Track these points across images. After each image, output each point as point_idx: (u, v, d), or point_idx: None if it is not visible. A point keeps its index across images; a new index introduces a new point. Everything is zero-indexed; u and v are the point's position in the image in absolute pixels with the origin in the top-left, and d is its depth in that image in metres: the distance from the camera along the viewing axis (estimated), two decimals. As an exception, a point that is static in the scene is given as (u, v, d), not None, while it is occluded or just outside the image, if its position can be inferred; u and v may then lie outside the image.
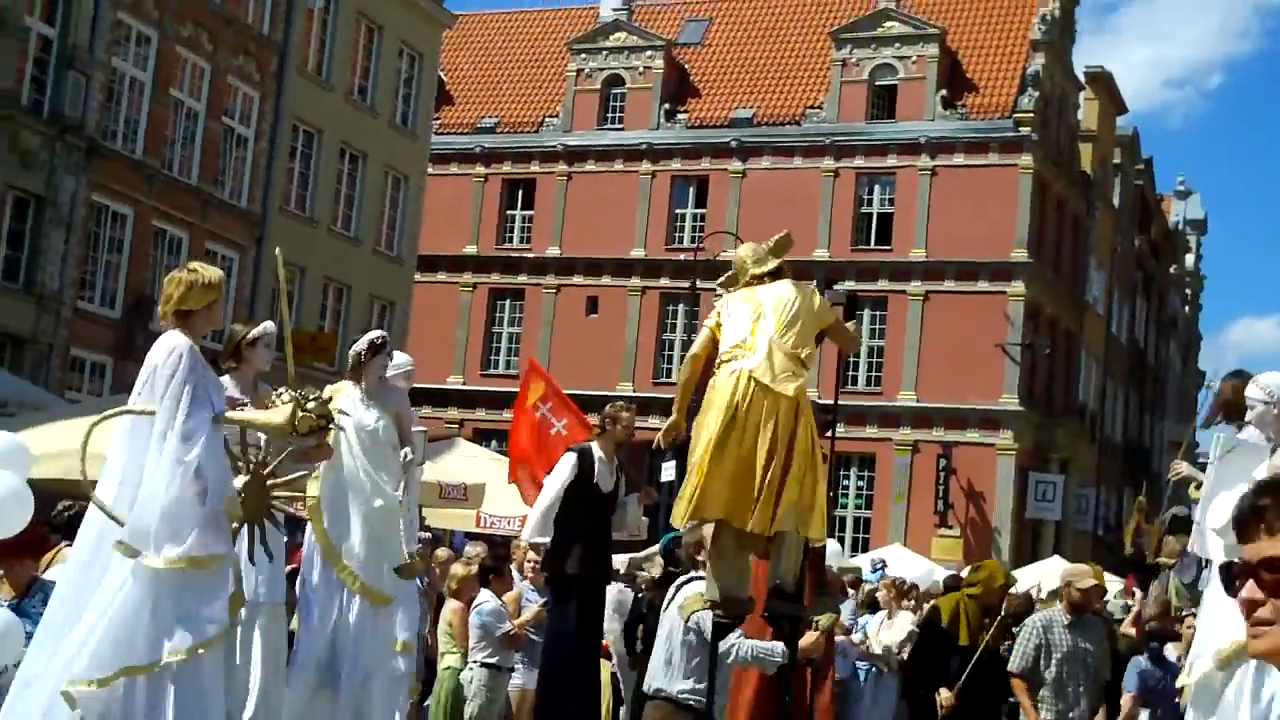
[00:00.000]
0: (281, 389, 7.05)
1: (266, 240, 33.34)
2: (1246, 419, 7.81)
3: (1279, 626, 2.27)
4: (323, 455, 7.70)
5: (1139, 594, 17.21)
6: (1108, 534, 51.79)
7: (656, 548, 23.52)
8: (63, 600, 6.47)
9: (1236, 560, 2.33)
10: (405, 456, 9.22)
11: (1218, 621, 7.18)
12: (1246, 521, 2.34)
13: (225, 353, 8.20)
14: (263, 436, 7.08)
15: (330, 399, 7.33)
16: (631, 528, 11.28)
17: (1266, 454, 7.41)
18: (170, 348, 6.59)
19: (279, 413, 6.80)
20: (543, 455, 12.92)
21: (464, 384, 50.31)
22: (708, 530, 8.57)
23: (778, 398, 8.01)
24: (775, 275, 8.71)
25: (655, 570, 14.70)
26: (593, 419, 11.94)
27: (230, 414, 6.87)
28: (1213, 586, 7.47)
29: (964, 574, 21.88)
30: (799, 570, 8.23)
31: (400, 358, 9.93)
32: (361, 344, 9.23)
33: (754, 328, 8.26)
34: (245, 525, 6.90)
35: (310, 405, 6.78)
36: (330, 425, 7.02)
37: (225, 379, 7.67)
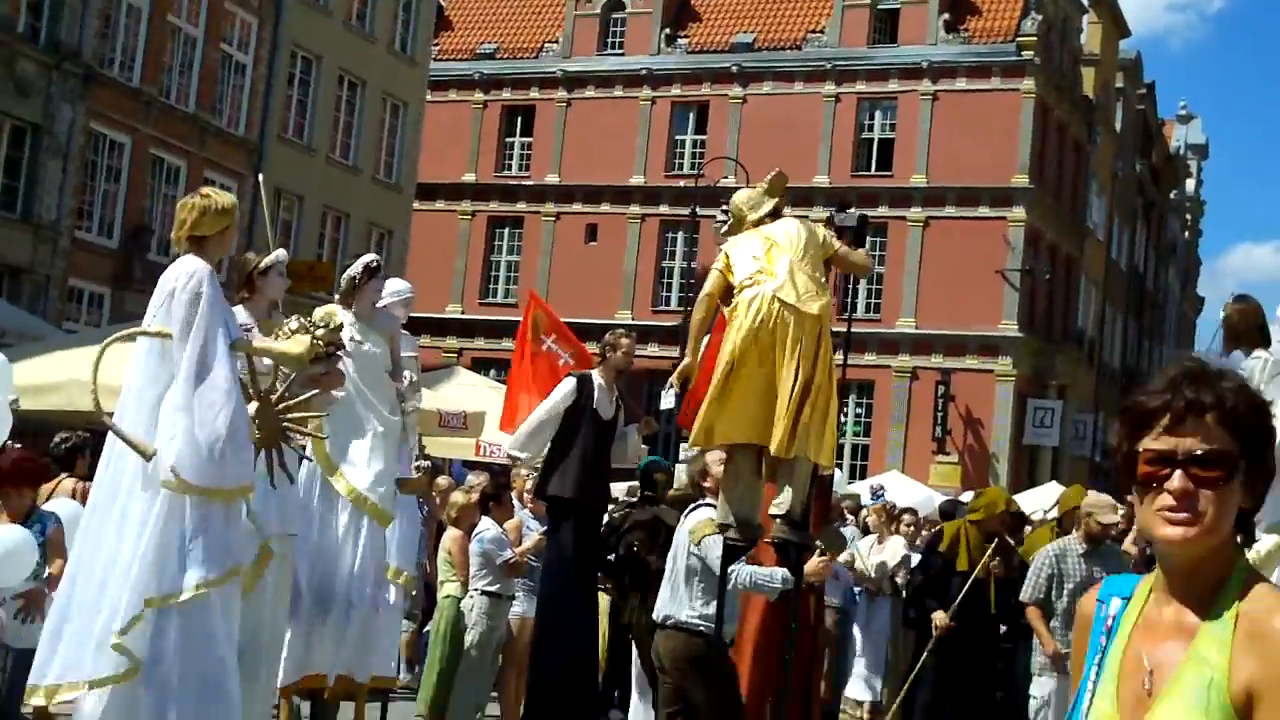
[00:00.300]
0: (290, 317, 7.07)
1: (264, 169, 33.26)
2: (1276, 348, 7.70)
3: (1209, 520, 2.47)
4: (334, 382, 7.72)
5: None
6: (1105, 459, 51.91)
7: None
8: (97, 541, 6.46)
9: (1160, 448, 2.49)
10: (407, 380, 9.27)
11: None
12: (1183, 415, 2.50)
13: (238, 282, 8.12)
14: (269, 361, 7.09)
15: (340, 326, 7.35)
16: (632, 458, 11.27)
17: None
18: (190, 271, 6.55)
19: (297, 343, 6.83)
20: (548, 388, 12.80)
21: (463, 313, 50.27)
22: (712, 457, 8.59)
23: (803, 317, 7.99)
24: (774, 215, 8.70)
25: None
26: (592, 348, 11.89)
27: (255, 343, 6.88)
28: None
29: (963, 499, 21.98)
30: (806, 497, 8.19)
31: (399, 284, 9.95)
32: (356, 268, 9.22)
33: (769, 255, 8.25)
34: (263, 451, 6.94)
35: (320, 333, 6.80)
36: (340, 352, 7.03)
37: (239, 308, 7.64)
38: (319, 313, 7.87)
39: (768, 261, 8.25)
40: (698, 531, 8.36)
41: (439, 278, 48.28)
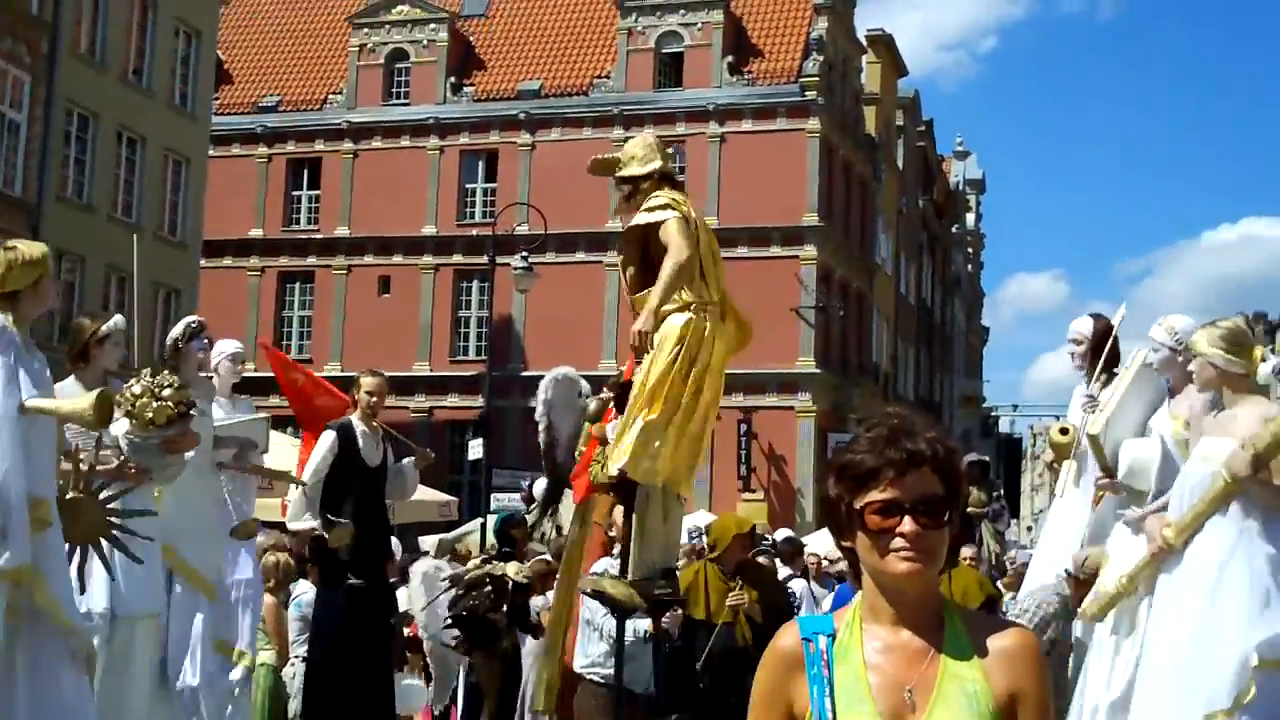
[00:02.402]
0: (132, 381, 6.64)
1: (42, 230, 32.01)
2: (1148, 359, 7.73)
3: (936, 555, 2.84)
4: (189, 444, 7.28)
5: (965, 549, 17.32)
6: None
7: (471, 526, 23.19)
8: None
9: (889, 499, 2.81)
10: (238, 443, 8.93)
11: (1124, 547, 7.29)
12: (905, 467, 2.83)
13: (71, 351, 7.59)
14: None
15: (186, 385, 6.93)
16: (410, 492, 10.91)
17: (1164, 389, 7.34)
18: None
19: (83, 400, 6.32)
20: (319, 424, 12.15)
21: (255, 370, 49.00)
22: (618, 512, 8.23)
23: (723, 348, 7.72)
24: (664, 181, 8.07)
25: (474, 549, 14.34)
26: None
27: (32, 402, 6.35)
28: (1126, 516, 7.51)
29: (779, 535, 21.90)
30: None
31: (228, 344, 9.61)
32: (177, 330, 8.88)
33: (705, 266, 7.80)
34: (81, 546, 6.43)
35: (166, 394, 6.36)
36: (191, 412, 6.61)
37: (69, 380, 7.20)
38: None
39: (705, 272, 7.79)
40: (584, 584, 7.95)
41: (230, 336, 46.87)
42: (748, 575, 9.93)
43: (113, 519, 6.65)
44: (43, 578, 6.15)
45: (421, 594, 12.25)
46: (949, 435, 3.07)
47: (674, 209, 7.68)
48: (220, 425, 9.15)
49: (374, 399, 10.23)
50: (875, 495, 2.81)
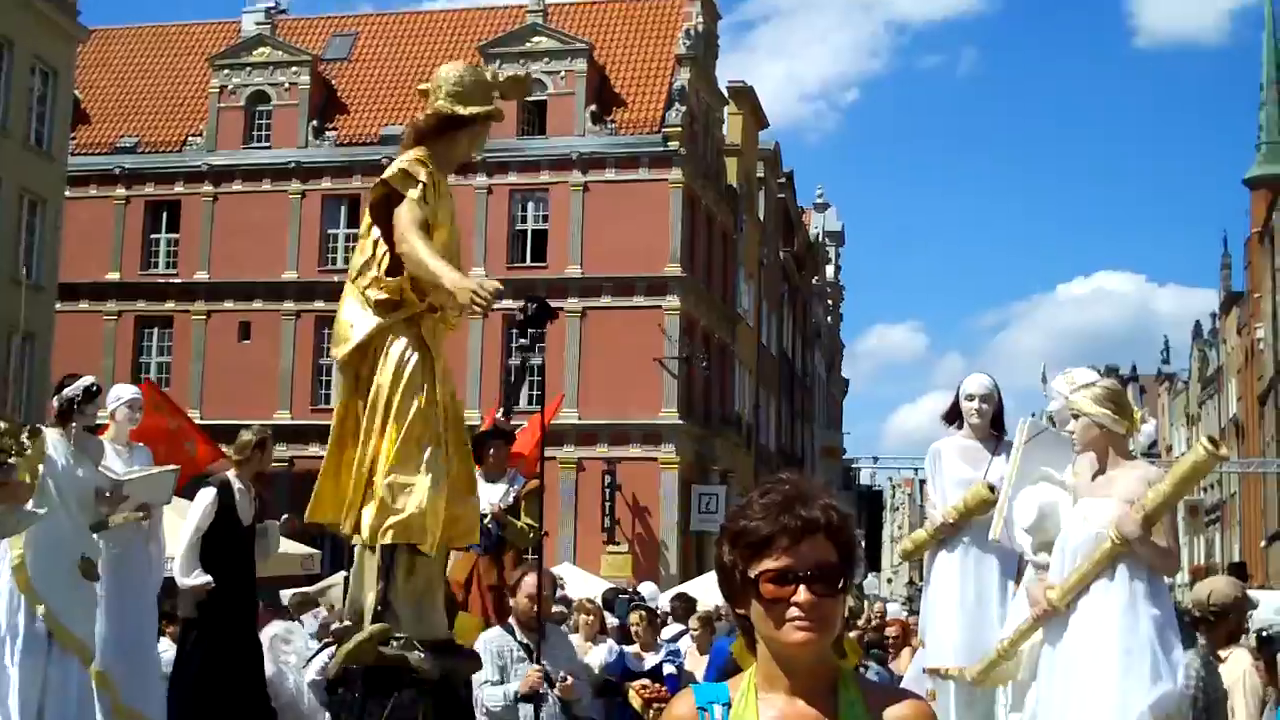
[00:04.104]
0: None
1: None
2: (1050, 410, 7.81)
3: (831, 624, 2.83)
4: (15, 495, 7.02)
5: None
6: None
7: (334, 579, 22.71)
8: None
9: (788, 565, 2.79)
10: (126, 496, 8.74)
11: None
12: (799, 535, 2.81)
13: None
14: None
15: (9, 431, 6.67)
16: (273, 552, 10.87)
17: (1069, 446, 7.29)
18: None
19: None
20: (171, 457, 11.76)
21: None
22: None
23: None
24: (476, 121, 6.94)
25: (336, 603, 13.97)
26: (227, 448, 11.20)
27: None
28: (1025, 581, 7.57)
29: (640, 589, 21.80)
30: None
31: (124, 390, 9.52)
32: (75, 389, 8.76)
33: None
34: None
35: None
36: (10, 462, 6.35)
37: None
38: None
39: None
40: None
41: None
42: None
43: None
44: None
45: (270, 659, 11.94)
46: (839, 499, 2.96)
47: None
48: (130, 480, 8.97)
49: (263, 455, 10.19)
50: (769, 564, 2.80)
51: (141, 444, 9.80)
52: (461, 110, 6.75)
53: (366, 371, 6.58)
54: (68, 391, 8.78)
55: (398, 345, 6.56)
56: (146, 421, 11.78)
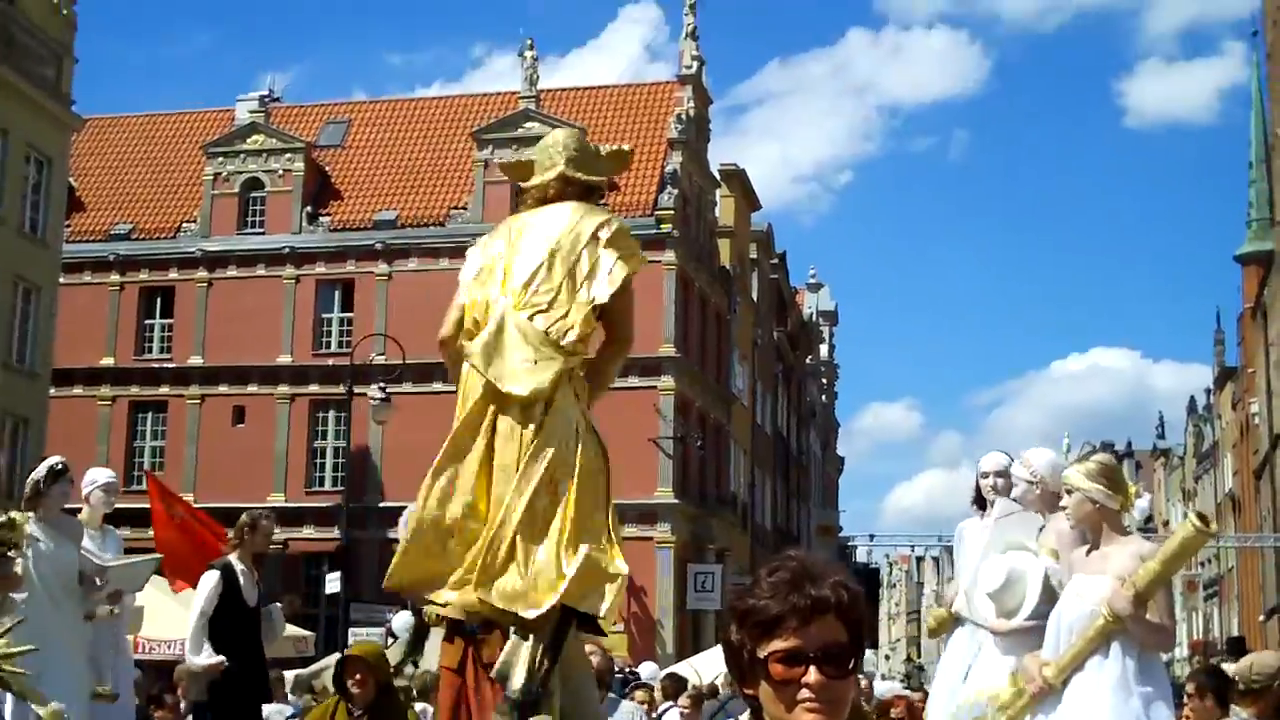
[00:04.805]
0: None
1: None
2: (1013, 495, 7.87)
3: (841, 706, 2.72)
4: (10, 584, 7.03)
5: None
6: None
7: (328, 661, 22.66)
8: None
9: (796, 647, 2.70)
10: (101, 583, 8.65)
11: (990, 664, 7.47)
12: (809, 615, 2.72)
13: None
14: None
15: (9, 523, 6.69)
16: (279, 635, 10.85)
17: (1037, 524, 7.46)
18: None
19: None
20: (193, 560, 11.87)
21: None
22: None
23: (505, 399, 5.87)
24: (563, 195, 6.28)
25: (330, 685, 13.94)
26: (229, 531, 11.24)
27: None
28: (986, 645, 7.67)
29: (639, 670, 21.72)
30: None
31: (99, 473, 9.45)
32: (40, 471, 8.71)
33: (494, 275, 6.07)
34: None
35: None
36: (12, 553, 6.37)
37: None
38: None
39: (491, 287, 5.99)
40: None
41: (81, 467, 45.96)
42: None
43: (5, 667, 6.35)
44: None
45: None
46: (850, 577, 2.85)
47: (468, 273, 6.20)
48: (113, 567, 8.96)
49: (267, 541, 10.27)
50: (779, 644, 2.71)
51: (111, 528, 9.78)
52: (537, 179, 6.40)
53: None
54: (35, 474, 8.75)
55: (574, 400, 6.06)
56: (170, 533, 11.74)
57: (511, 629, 5.78)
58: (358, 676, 8.34)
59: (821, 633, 2.71)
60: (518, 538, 5.69)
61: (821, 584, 2.73)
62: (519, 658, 5.76)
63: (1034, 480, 7.64)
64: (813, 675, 2.69)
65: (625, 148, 6.59)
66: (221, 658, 9.90)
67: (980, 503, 8.46)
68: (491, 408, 5.87)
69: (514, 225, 6.15)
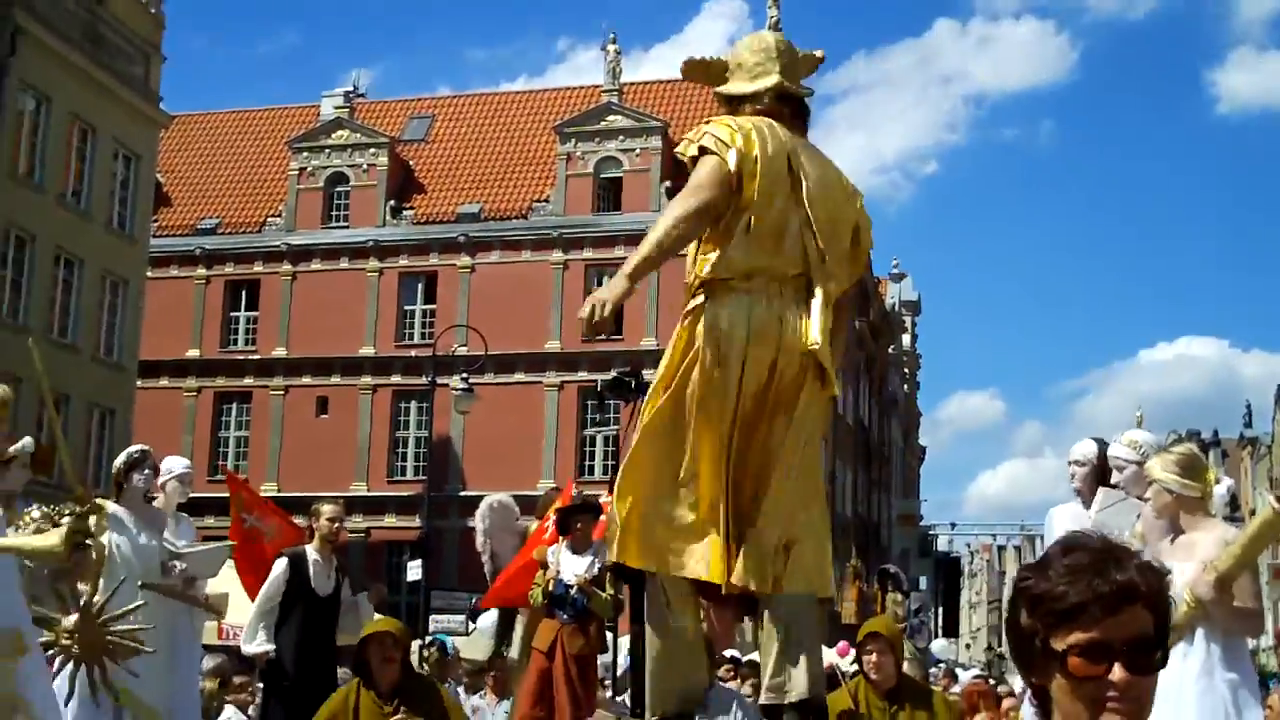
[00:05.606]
0: (32, 506, 6.58)
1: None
2: (1113, 480, 7.77)
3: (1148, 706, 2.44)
4: (84, 576, 7.19)
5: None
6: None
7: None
8: None
9: None
10: (177, 570, 8.87)
11: None
12: (1116, 603, 2.43)
13: None
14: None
15: (87, 513, 6.86)
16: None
17: (1136, 511, 7.32)
18: None
19: (53, 535, 6.26)
20: (262, 567, 11.93)
21: (191, 491, 48.62)
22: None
23: (810, 369, 5.47)
24: (777, 103, 5.88)
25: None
26: (302, 521, 11.43)
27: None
28: None
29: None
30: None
31: (174, 462, 9.66)
32: (119, 461, 8.89)
33: (799, 228, 5.54)
34: (80, 665, 6.33)
35: (67, 521, 6.29)
36: (88, 542, 6.54)
37: None
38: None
39: (778, 240, 5.51)
40: None
41: (163, 458, 46.69)
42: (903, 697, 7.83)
43: (111, 636, 6.55)
44: (27, 704, 6.12)
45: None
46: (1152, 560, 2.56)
47: (714, 146, 5.71)
48: (189, 554, 9.15)
49: (336, 526, 10.31)
50: (1079, 635, 2.42)
51: (185, 515, 9.96)
52: (746, 86, 6.09)
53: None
54: (116, 463, 8.99)
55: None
56: (240, 542, 11.90)
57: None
58: (387, 655, 7.63)
59: (1128, 624, 2.42)
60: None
61: (1126, 567, 2.45)
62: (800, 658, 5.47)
63: (1142, 460, 7.38)
64: (1118, 673, 2.40)
65: (818, 53, 6.15)
66: (270, 646, 10.04)
67: (1104, 481, 8.14)
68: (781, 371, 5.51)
69: (789, 147, 5.64)
